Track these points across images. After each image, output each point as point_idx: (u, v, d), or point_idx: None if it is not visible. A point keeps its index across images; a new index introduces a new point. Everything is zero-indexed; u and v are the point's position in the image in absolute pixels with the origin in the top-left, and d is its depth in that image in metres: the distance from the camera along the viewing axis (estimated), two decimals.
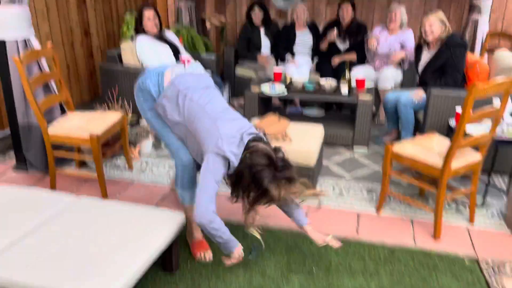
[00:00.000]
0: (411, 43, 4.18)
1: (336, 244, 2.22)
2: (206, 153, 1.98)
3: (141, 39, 3.76)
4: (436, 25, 3.36)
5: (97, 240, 1.89)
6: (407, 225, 2.67)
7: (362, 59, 4.54)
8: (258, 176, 1.89)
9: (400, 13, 4.19)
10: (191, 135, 2.12)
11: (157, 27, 3.79)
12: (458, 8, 5.09)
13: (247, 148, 1.95)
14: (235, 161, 1.93)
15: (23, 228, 1.95)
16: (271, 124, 2.97)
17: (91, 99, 4.68)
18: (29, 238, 1.89)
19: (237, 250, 2.08)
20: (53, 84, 3.13)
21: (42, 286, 1.64)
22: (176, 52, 3.89)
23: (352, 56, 4.51)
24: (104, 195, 2.89)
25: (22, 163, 3.25)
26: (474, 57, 3.66)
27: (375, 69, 4.37)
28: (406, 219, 2.72)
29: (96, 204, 2.21)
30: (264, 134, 2.77)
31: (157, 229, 2.02)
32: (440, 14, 3.43)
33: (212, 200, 1.96)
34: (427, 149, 2.58)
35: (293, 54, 4.78)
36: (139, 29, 3.79)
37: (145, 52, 3.76)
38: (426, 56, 3.54)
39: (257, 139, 2.02)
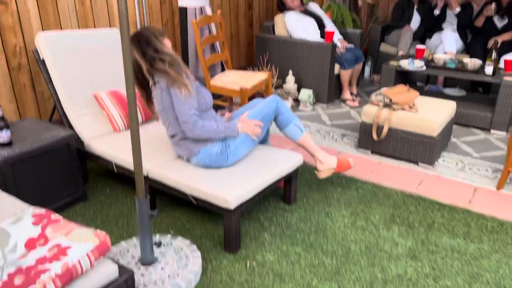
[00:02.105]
0: None
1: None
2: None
3: (289, 15, 4.28)
4: None
5: (242, 164, 2.43)
6: None
7: None
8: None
9: None
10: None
11: (299, 2, 4.24)
12: None
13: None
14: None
15: None
16: (399, 93, 3.14)
17: (247, 64, 5.38)
18: None
19: (241, 127, 2.35)
20: (217, 45, 3.82)
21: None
22: (321, 24, 4.28)
23: (511, 36, 4.25)
24: None
25: None
26: None
27: None
28: None
29: None
30: (390, 101, 3.01)
31: (279, 163, 2.47)
32: None
33: (192, 107, 2.20)
34: None
35: (439, 32, 4.71)
36: (282, 7, 4.30)
37: (293, 26, 4.26)
38: None
39: None
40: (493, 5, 4.26)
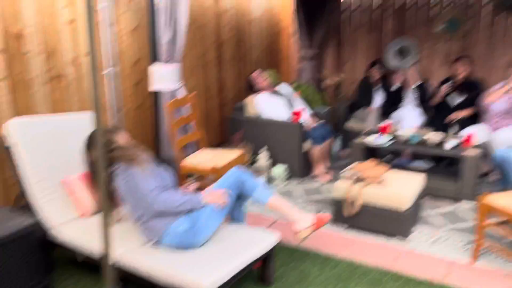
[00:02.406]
0: None
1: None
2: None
3: (259, 97, 4.53)
4: None
5: (216, 245, 2.38)
6: (499, 278, 2.63)
7: (476, 118, 4.53)
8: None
9: None
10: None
11: (266, 80, 4.55)
12: None
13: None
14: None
15: None
16: (369, 168, 3.24)
17: (219, 143, 5.47)
18: None
19: (206, 198, 2.38)
20: (191, 125, 3.91)
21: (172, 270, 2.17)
22: (291, 104, 4.50)
23: (469, 112, 4.53)
24: None
25: None
26: None
27: (491, 129, 4.29)
28: (499, 272, 2.69)
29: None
30: (360, 176, 3.09)
31: (254, 244, 2.43)
32: None
33: (152, 182, 2.30)
34: None
35: (400, 108, 5.00)
36: (254, 89, 4.57)
37: (263, 107, 4.48)
38: None
39: None
40: (449, 84, 4.59)
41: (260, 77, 4.55)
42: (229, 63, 5.49)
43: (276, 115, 4.43)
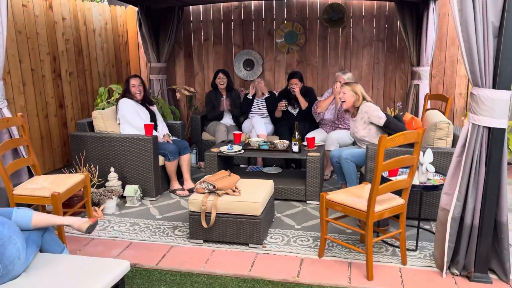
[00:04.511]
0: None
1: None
2: None
3: (124, 100, 4.33)
4: (348, 93, 3.82)
5: (50, 286, 2.08)
6: (345, 267, 2.87)
7: (315, 122, 4.97)
8: None
9: (344, 80, 4.66)
10: None
11: (141, 93, 4.40)
12: (403, 75, 5.65)
13: None
14: None
15: None
16: (221, 178, 3.25)
17: (64, 165, 4.94)
18: None
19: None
20: (22, 150, 3.42)
21: None
22: (154, 120, 4.41)
23: (303, 102, 4.96)
24: None
25: None
26: (409, 115, 4.07)
27: (326, 132, 4.78)
28: (345, 262, 2.94)
29: (53, 258, 2.40)
30: (214, 187, 3.07)
31: (101, 275, 2.20)
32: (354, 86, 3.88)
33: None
34: (357, 196, 2.87)
35: (249, 118, 5.22)
36: (125, 94, 4.37)
37: (128, 110, 4.28)
38: (351, 123, 3.98)
39: None
40: (284, 102, 4.95)
41: (136, 88, 4.38)
42: (68, 77, 5.02)
43: (139, 121, 4.29)
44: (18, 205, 3.11)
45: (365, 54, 5.67)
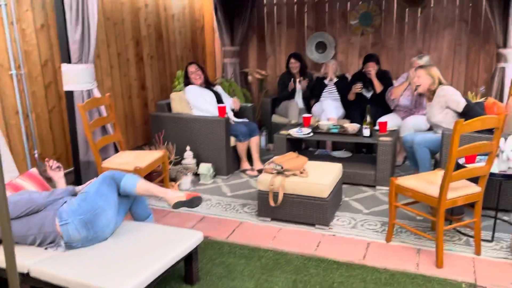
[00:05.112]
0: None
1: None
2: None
3: (190, 87, 4.51)
4: (423, 77, 3.64)
5: (132, 249, 2.32)
6: (413, 253, 2.83)
7: (389, 107, 4.83)
8: None
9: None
10: None
11: (201, 77, 4.51)
12: (487, 57, 5.27)
13: None
14: None
15: None
16: (289, 160, 3.32)
17: (144, 143, 5.31)
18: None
19: None
20: (109, 127, 3.75)
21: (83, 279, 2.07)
22: (219, 100, 4.54)
23: (378, 85, 4.82)
24: None
25: None
26: (492, 99, 3.83)
27: (400, 118, 4.63)
28: (413, 248, 2.89)
29: (138, 225, 2.66)
30: (282, 168, 3.16)
31: (178, 243, 2.39)
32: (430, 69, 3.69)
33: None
34: (429, 182, 2.79)
35: (320, 101, 5.19)
36: (186, 81, 4.54)
37: (194, 97, 4.45)
38: (427, 108, 3.79)
39: None
40: (360, 84, 4.84)
41: (195, 74, 4.52)
42: (150, 61, 5.35)
43: (207, 104, 4.45)
44: None
45: (446, 36, 5.37)
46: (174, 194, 2.55)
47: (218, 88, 4.77)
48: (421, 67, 3.75)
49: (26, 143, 3.68)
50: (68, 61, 3.54)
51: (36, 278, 2.17)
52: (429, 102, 3.77)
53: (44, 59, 3.84)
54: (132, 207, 2.70)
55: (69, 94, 3.60)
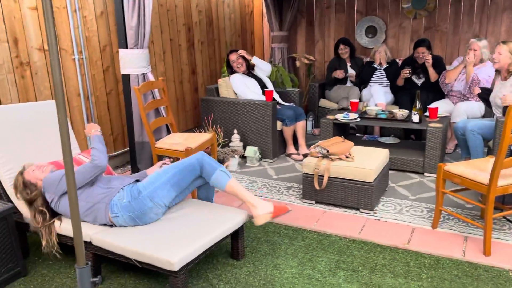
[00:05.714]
0: (484, 76, 4.19)
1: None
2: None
3: (234, 76, 4.60)
4: (504, 54, 3.45)
5: (183, 224, 2.47)
6: (460, 240, 2.79)
7: (441, 93, 4.69)
8: None
9: (479, 48, 4.28)
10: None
11: (243, 65, 4.61)
12: None
13: None
14: None
15: None
16: (335, 144, 3.35)
17: (194, 126, 5.51)
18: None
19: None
20: (162, 110, 3.94)
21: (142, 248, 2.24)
22: (263, 85, 4.58)
23: (433, 74, 4.68)
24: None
25: (135, 172, 4.06)
26: None
27: (452, 103, 4.49)
28: (460, 235, 2.85)
29: (191, 202, 2.81)
30: (328, 152, 3.19)
31: (227, 221, 2.52)
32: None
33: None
34: (479, 169, 2.73)
35: (369, 86, 5.13)
36: (230, 70, 4.69)
37: (238, 86, 4.55)
38: (497, 85, 3.62)
39: None
40: (409, 69, 4.72)
41: (236, 62, 4.61)
42: (200, 46, 5.50)
43: (250, 92, 4.55)
44: (158, 156, 3.62)
45: (505, 19, 5.10)
46: (263, 210, 2.50)
47: (259, 72, 4.81)
48: (504, 42, 3.55)
49: (86, 123, 3.95)
50: (125, 46, 3.74)
51: (97, 246, 2.38)
52: (502, 80, 3.58)
53: (103, 44, 4.08)
54: (200, 188, 2.78)
55: (126, 78, 3.81)
